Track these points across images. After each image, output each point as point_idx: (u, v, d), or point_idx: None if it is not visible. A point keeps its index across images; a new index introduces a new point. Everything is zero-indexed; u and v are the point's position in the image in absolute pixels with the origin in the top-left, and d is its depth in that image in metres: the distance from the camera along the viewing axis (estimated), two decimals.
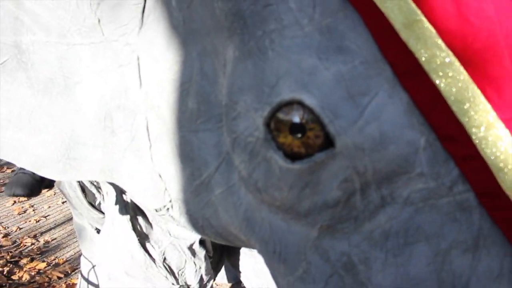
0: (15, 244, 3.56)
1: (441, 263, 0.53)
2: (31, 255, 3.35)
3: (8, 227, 3.91)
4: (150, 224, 1.35)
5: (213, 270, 1.83)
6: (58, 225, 3.94)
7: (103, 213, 1.85)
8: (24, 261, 3.25)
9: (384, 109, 0.53)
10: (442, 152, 0.53)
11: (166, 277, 1.35)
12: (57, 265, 3.20)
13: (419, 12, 0.54)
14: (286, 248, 0.66)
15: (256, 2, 0.60)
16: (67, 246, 3.52)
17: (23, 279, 2.98)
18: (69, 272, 3.08)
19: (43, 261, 3.23)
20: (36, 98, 0.99)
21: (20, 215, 4.21)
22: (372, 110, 0.52)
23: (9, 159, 1.02)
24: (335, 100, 0.53)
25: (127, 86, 0.89)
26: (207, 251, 1.46)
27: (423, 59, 0.53)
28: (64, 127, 0.97)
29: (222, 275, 2.78)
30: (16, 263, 3.22)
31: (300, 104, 0.54)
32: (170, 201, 0.91)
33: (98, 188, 1.69)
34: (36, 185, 1.62)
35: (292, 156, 0.57)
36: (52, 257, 3.31)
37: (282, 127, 0.56)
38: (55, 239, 3.65)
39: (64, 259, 3.27)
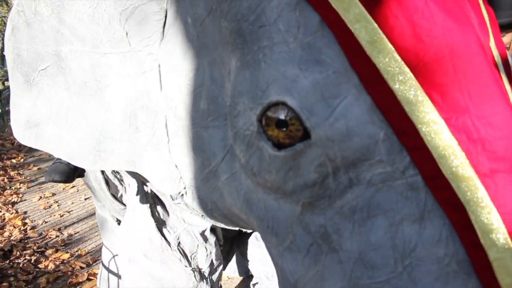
0: (41, 236, 3.77)
1: (395, 232, 0.66)
2: (55, 247, 3.55)
3: (34, 221, 4.13)
4: (167, 212, 1.50)
5: (224, 260, 1.98)
6: (80, 220, 4.14)
7: (124, 204, 2.02)
8: (49, 251, 3.44)
9: (351, 109, 0.67)
10: (397, 144, 0.67)
11: (180, 259, 1.50)
12: (79, 256, 3.38)
13: (381, 32, 0.67)
14: (277, 223, 0.80)
15: (254, 23, 0.74)
16: (89, 239, 3.70)
17: (49, 267, 3.18)
18: (91, 263, 3.27)
19: (67, 252, 3.42)
20: (72, 99, 1.15)
21: (46, 210, 4.43)
22: (341, 110, 0.66)
23: (48, 151, 1.19)
24: (311, 102, 0.67)
25: (150, 89, 1.05)
26: (217, 239, 1.60)
27: (383, 69, 0.66)
28: (95, 124, 1.13)
29: (234, 269, 2.93)
30: (42, 253, 3.42)
31: (285, 104, 0.69)
32: (184, 188, 1.06)
33: (120, 181, 1.85)
34: (71, 173, 1.80)
35: (279, 146, 0.72)
36: (75, 249, 3.51)
37: (270, 123, 0.71)
38: (77, 232, 3.85)
39: (86, 251, 3.46)
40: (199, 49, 0.92)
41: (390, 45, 0.67)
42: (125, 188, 1.85)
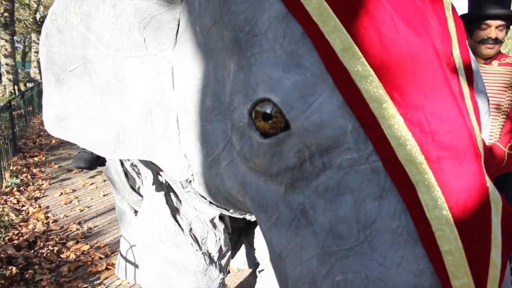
0: (62, 229, 3.98)
1: (359, 208, 0.80)
2: (76, 239, 3.75)
3: (56, 215, 4.35)
4: (180, 201, 1.65)
5: (233, 249, 2.13)
6: (99, 215, 4.34)
7: (141, 196, 2.18)
8: (70, 243, 3.65)
9: (325, 105, 0.81)
10: (362, 135, 0.81)
11: (191, 244, 1.65)
12: (98, 247, 3.57)
13: (352, 41, 0.82)
14: (266, 202, 0.95)
15: (248, 33, 0.90)
16: (107, 232, 3.90)
17: (70, 257, 3.38)
18: (109, 254, 3.45)
19: (87, 244, 3.62)
20: (96, 97, 1.31)
21: (67, 205, 4.66)
22: (316, 106, 0.81)
23: (75, 141, 1.35)
24: (291, 99, 0.81)
25: (164, 89, 1.21)
26: (226, 227, 1.75)
27: (353, 72, 0.81)
28: (116, 118, 1.29)
29: (244, 261, 3.08)
30: (63, 244, 3.63)
31: (270, 101, 0.83)
32: (192, 175, 1.21)
33: (138, 174, 2.02)
34: (94, 161, 1.99)
35: (265, 135, 0.86)
36: (94, 241, 3.70)
37: (258, 116, 0.86)
38: (97, 226, 4.05)
39: (105, 243, 3.65)
40: (205, 54, 1.08)
41: (359, 53, 0.81)
42: (142, 180, 2.01)
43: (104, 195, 4.92)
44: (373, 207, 0.79)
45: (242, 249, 2.94)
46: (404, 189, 0.78)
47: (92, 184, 5.39)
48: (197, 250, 1.66)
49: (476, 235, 0.76)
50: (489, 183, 0.80)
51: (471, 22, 1.90)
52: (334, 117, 0.81)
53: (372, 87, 0.80)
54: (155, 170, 1.61)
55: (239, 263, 3.09)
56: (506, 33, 1.93)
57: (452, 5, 1.04)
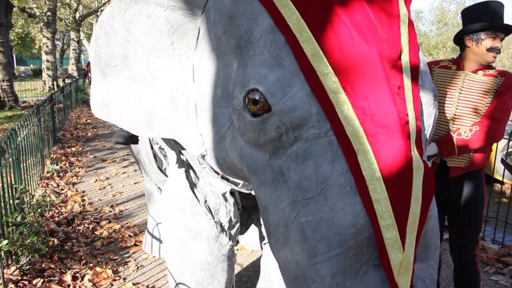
0: (97, 211, 4.40)
1: (318, 168, 1.10)
2: (108, 219, 4.16)
3: (91, 198, 4.79)
4: (197, 177, 1.98)
5: (243, 226, 2.45)
6: (130, 200, 4.75)
7: (166, 176, 2.53)
8: (103, 222, 4.06)
9: (297, 94, 1.12)
10: (323, 116, 1.11)
11: (206, 213, 1.97)
12: (128, 227, 3.97)
13: (320, 49, 1.12)
14: (256, 166, 1.26)
15: (246, 41, 1.21)
16: (136, 215, 4.29)
17: (103, 234, 3.78)
18: (137, 233, 3.84)
19: (118, 224, 4.02)
20: (133, 87, 1.65)
21: (101, 190, 5.10)
22: (291, 94, 1.12)
23: (115, 123, 1.70)
24: (273, 89, 1.13)
25: (186, 82, 1.53)
26: (236, 202, 2.07)
27: (318, 71, 1.11)
28: (148, 105, 1.62)
29: (256, 243, 3.39)
30: (97, 223, 4.04)
31: (257, 90, 1.15)
32: (205, 150, 1.53)
33: (165, 156, 2.37)
34: (130, 138, 2.32)
35: (254, 115, 1.18)
36: (125, 222, 4.10)
37: (250, 101, 1.17)
38: (127, 209, 4.45)
39: (134, 224, 4.04)
40: (217, 55, 1.40)
41: (324, 57, 1.12)
42: (168, 162, 2.36)
43: (134, 183, 5.34)
44: (328, 168, 1.10)
45: (256, 233, 3.25)
46: (349, 155, 1.08)
47: (124, 173, 5.83)
48: (210, 219, 1.98)
49: (398, 189, 1.06)
50: (413, 153, 1.09)
51: (479, 32, 2.14)
52: (303, 103, 1.12)
53: (331, 82, 1.10)
54: (178, 150, 1.95)
55: (252, 245, 3.40)
56: None
57: (410, 20, 1.33)
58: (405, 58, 1.25)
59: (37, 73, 28.43)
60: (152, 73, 1.59)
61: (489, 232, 3.85)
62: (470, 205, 2.25)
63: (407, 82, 1.21)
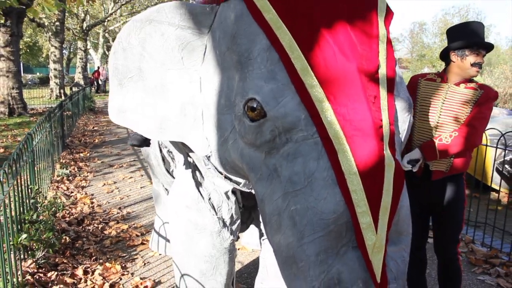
0: (105, 212, 4.62)
1: (305, 165, 1.31)
2: (117, 220, 4.38)
3: (99, 201, 5.00)
4: (203, 177, 2.20)
5: (244, 224, 2.66)
6: (137, 202, 4.96)
7: (174, 178, 2.75)
8: (112, 223, 4.27)
9: (288, 103, 1.33)
10: (310, 121, 1.32)
11: (209, 210, 2.18)
12: (135, 227, 4.18)
13: (308, 64, 1.34)
14: (254, 165, 1.48)
15: (246, 57, 1.44)
16: (143, 216, 4.51)
17: (111, 234, 3.99)
18: (144, 232, 4.05)
19: (126, 224, 4.23)
20: (147, 98, 1.87)
21: (109, 194, 5.32)
22: (283, 103, 1.33)
23: (130, 127, 1.92)
24: (268, 98, 1.34)
25: (194, 93, 1.75)
26: (238, 200, 2.27)
27: (306, 83, 1.33)
28: (160, 113, 1.84)
29: (257, 243, 3.59)
30: (106, 223, 4.26)
31: (255, 99, 1.37)
32: (211, 151, 1.75)
33: (173, 158, 2.59)
34: (143, 141, 2.53)
35: (252, 120, 1.40)
36: (132, 222, 4.32)
37: (248, 108, 1.39)
38: (134, 211, 4.67)
39: (141, 224, 4.26)
40: (222, 69, 1.62)
41: (311, 71, 1.34)
42: (175, 164, 2.57)
43: (141, 187, 5.56)
44: (313, 165, 1.31)
45: (256, 234, 3.45)
46: (331, 154, 1.29)
47: (131, 177, 6.05)
48: (213, 214, 2.19)
49: (372, 182, 1.27)
50: (386, 152, 1.31)
51: (464, 48, 2.37)
52: (294, 110, 1.33)
53: (317, 92, 1.32)
54: (186, 153, 2.17)
55: (253, 245, 3.61)
56: None
57: (389, 39, 1.55)
58: (382, 72, 1.46)
59: (44, 81, 28.83)
60: (164, 84, 1.80)
61: (479, 236, 4.03)
62: (451, 206, 2.46)
63: (383, 93, 1.43)
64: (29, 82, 29.98)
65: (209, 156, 1.80)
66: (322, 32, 1.38)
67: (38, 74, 37.55)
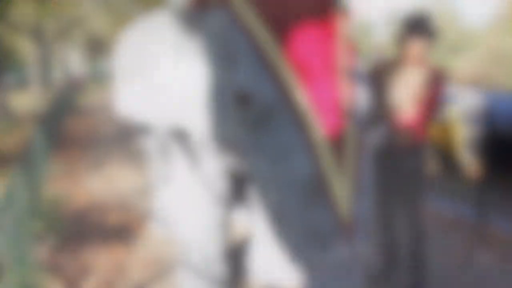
0: (105, 204, 4.88)
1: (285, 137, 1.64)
2: (117, 211, 4.64)
3: (98, 195, 5.25)
4: (201, 163, 2.47)
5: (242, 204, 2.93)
6: (136, 196, 5.16)
7: (173, 167, 3.00)
8: (112, 214, 4.54)
9: (268, 89, 1.64)
10: (285, 102, 1.63)
11: (208, 193, 2.45)
12: (137, 217, 4.44)
13: (285, 60, 1.64)
14: (244, 142, 1.78)
15: (236, 55, 1.73)
16: (143, 208, 4.74)
17: (114, 223, 4.28)
18: (146, 222, 4.31)
19: (127, 215, 4.51)
20: (147, 91, 2.14)
21: (107, 189, 5.52)
22: (265, 91, 1.64)
23: (134, 118, 2.18)
24: (254, 88, 1.65)
25: (191, 85, 2.02)
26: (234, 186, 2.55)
27: (283, 74, 1.64)
28: (160, 103, 2.11)
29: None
30: (107, 215, 4.52)
31: (244, 89, 1.67)
32: (209, 135, 2.03)
33: (172, 148, 2.84)
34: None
35: (242, 105, 1.70)
36: (133, 213, 4.56)
37: (237, 96, 1.70)
38: (135, 203, 4.90)
39: (142, 215, 4.49)
40: (216, 64, 1.88)
41: (287, 66, 1.64)
42: (174, 153, 2.82)
43: (141, 182, 5.76)
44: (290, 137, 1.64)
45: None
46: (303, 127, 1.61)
47: (129, 174, 6.27)
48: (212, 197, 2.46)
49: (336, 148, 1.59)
50: (348, 127, 1.63)
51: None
52: (273, 94, 1.65)
53: (290, 79, 1.63)
54: (185, 140, 2.44)
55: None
56: None
57: (350, 36, 1.84)
58: (344, 64, 1.77)
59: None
60: (163, 79, 2.08)
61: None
62: (417, 179, 2.81)
63: (346, 80, 1.74)
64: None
65: (207, 140, 2.08)
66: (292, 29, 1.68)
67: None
